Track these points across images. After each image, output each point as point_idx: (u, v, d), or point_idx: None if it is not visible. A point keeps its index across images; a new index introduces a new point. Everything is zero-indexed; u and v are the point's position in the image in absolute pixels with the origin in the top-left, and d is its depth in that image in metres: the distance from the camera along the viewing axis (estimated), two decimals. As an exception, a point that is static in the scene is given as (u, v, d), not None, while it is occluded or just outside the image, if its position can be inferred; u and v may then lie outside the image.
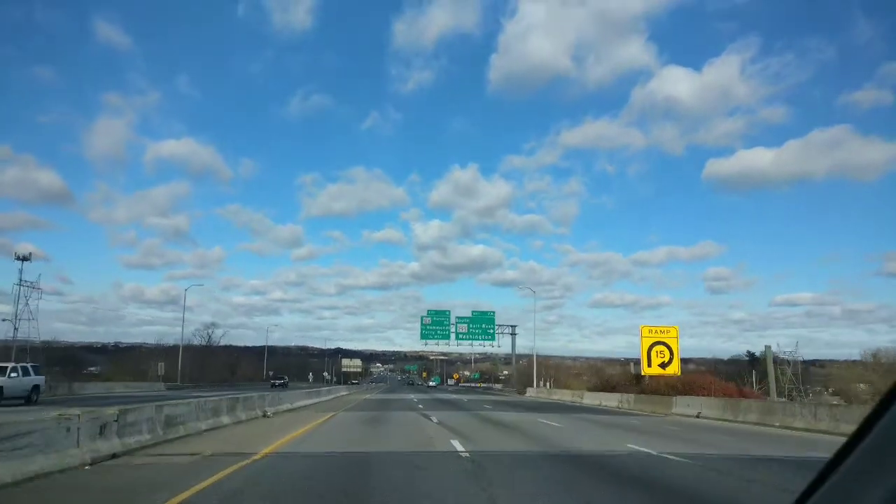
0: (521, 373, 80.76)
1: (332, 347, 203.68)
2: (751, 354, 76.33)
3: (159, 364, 57.58)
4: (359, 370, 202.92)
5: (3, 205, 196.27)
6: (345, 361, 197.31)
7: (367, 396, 45.53)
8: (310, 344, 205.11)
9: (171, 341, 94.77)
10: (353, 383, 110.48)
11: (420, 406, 33.04)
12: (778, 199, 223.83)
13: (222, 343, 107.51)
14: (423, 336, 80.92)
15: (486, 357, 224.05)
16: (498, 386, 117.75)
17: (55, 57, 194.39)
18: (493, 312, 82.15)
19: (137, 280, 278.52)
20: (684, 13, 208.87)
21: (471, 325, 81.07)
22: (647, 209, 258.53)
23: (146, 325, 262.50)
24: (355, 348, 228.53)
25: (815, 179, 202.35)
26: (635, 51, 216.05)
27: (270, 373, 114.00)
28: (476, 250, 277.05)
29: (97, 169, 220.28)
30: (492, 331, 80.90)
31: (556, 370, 70.93)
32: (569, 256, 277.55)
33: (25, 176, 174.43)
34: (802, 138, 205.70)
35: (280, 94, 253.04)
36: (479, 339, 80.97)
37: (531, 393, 55.53)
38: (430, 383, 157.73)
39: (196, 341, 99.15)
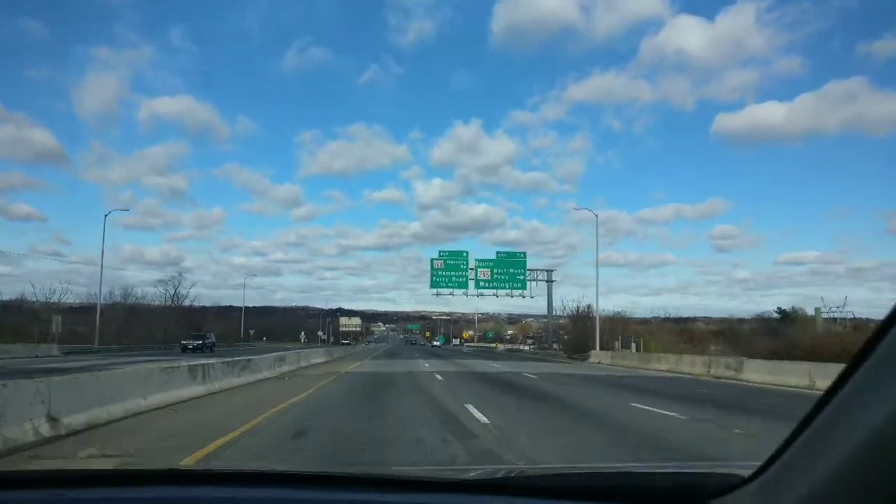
0: (568, 331, 61.43)
1: (334, 307, 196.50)
2: (782, 311, 61.18)
3: (55, 318, 38.43)
4: (358, 329, 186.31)
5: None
6: (343, 320, 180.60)
7: (349, 368, 26.42)
8: (312, 304, 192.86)
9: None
10: (344, 343, 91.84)
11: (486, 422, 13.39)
12: (787, 155, 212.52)
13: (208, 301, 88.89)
14: (435, 284, 61.70)
15: (488, 317, 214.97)
16: (525, 347, 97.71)
17: (42, 8, 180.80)
18: (524, 254, 62.69)
19: (136, 241, 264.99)
20: None
21: (495, 270, 61.72)
22: (653, 166, 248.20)
23: (148, 285, 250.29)
24: (357, 308, 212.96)
25: (827, 134, 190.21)
26: None
27: (251, 332, 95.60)
28: (478, 209, 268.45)
29: (91, 127, 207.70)
30: (521, 277, 61.57)
31: (622, 325, 51.45)
32: (572, 215, 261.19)
33: (18, 134, 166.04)
34: (816, 91, 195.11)
35: (277, 48, 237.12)
36: (504, 287, 61.70)
37: (600, 359, 36.05)
38: (435, 342, 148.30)
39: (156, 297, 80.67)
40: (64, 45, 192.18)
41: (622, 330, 47.60)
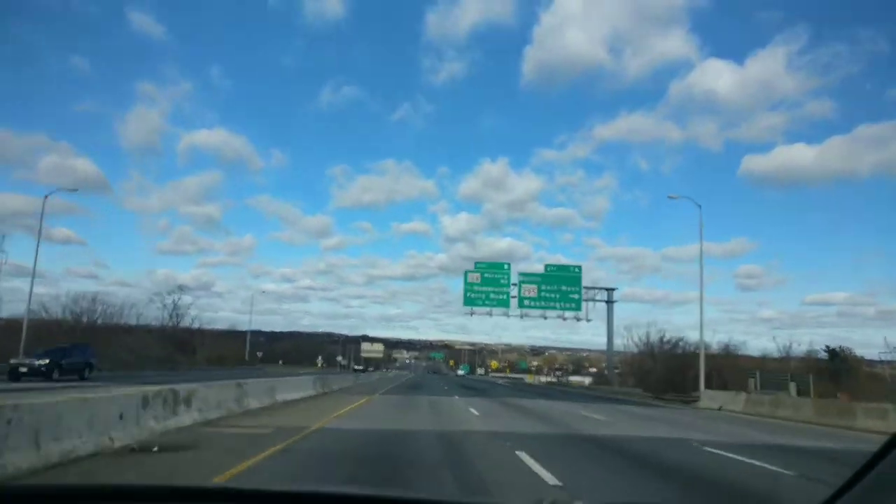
0: (642, 366, 49.11)
1: (359, 334, 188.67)
2: (831, 350, 49.67)
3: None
4: (380, 355, 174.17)
5: (41, 190, 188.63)
6: (365, 346, 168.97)
7: (339, 412, 14.53)
8: (337, 331, 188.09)
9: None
10: (356, 370, 79.55)
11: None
12: (816, 197, 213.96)
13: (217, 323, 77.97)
14: (469, 301, 49.99)
15: (511, 349, 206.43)
16: (583, 380, 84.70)
17: (90, 46, 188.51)
18: (579, 268, 50.71)
19: (170, 266, 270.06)
20: (728, 3, 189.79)
21: (543, 287, 49.85)
22: (679, 205, 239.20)
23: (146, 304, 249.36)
24: (380, 336, 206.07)
25: (858, 177, 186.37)
26: (675, 43, 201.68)
27: (259, 354, 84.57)
28: (504, 243, 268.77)
29: (132, 158, 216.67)
30: (576, 295, 49.49)
31: (728, 361, 38.64)
32: (598, 251, 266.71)
33: (62, 163, 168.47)
34: (847, 134, 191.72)
35: (311, 85, 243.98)
36: (555, 307, 49.61)
37: (721, 404, 23.63)
38: (459, 372, 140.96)
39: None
40: (110, 80, 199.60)
41: (726, 367, 34.90)
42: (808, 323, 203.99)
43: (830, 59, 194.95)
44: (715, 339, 46.49)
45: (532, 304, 49.77)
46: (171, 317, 73.20)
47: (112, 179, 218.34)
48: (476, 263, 51.20)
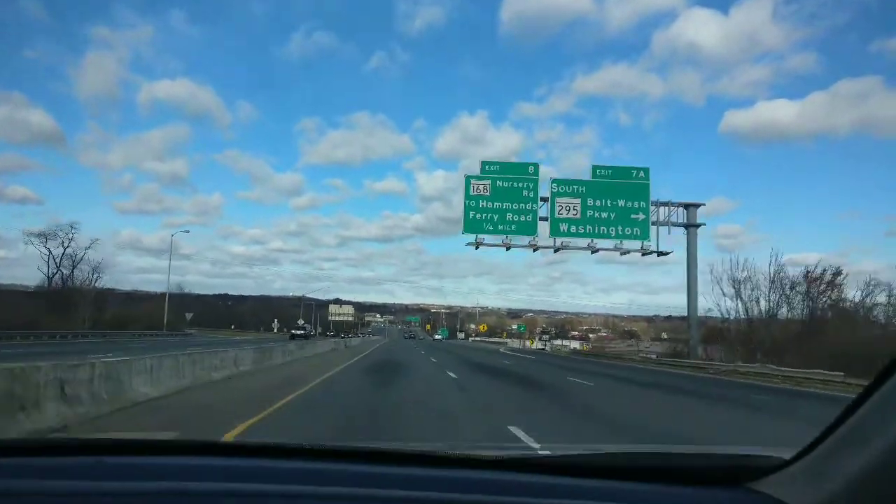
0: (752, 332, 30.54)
1: (331, 298, 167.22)
2: None
3: None
4: (351, 319, 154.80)
5: None
6: (332, 308, 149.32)
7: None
8: (309, 295, 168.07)
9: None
10: (296, 335, 59.19)
11: None
12: (796, 155, 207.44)
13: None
14: (472, 225, 31.13)
15: (487, 311, 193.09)
16: (568, 344, 67.86)
17: None
18: (646, 171, 31.77)
19: (134, 226, 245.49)
20: None
21: (589, 202, 30.95)
22: (660, 162, 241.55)
23: (144, 272, 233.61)
24: (354, 300, 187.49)
25: (838, 134, 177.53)
26: None
27: (188, 315, 64.75)
28: None
29: (89, 109, 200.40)
30: (641, 215, 30.84)
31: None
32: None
33: (15, 115, 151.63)
34: (828, 90, 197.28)
35: (280, 33, 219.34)
36: (608, 235, 30.99)
37: None
38: (437, 336, 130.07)
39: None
40: (62, 23, 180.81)
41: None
42: None
43: (816, 7, 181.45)
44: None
45: (573, 228, 30.86)
46: (57, 271, 52.85)
47: (69, 133, 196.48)
48: (484, 163, 31.75)
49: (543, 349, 74.67)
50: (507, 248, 31.54)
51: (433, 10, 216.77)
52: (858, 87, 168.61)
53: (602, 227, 30.54)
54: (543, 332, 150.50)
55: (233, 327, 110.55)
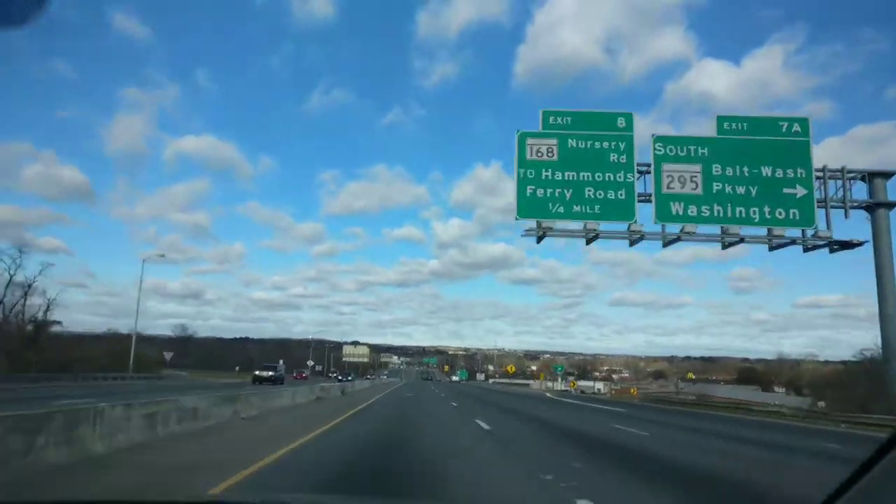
0: None
1: (349, 341, 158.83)
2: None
3: None
4: (365, 360, 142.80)
5: (26, 200, 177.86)
6: (347, 350, 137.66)
7: None
8: (329, 338, 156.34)
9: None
10: (262, 377, 39.69)
11: None
12: None
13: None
14: (528, 207, 19.24)
15: (505, 353, 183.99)
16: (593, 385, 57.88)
17: (73, 50, 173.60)
18: (804, 122, 19.98)
19: (159, 275, 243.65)
20: (725, 1, 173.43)
21: (716, 169, 19.26)
22: None
23: (168, 317, 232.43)
24: (373, 342, 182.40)
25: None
26: (671, 42, 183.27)
27: (168, 356, 53.44)
28: (496, 248, 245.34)
29: (118, 165, 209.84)
30: (798, 189, 19.02)
31: None
32: (591, 255, 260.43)
33: (48, 172, 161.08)
34: (843, 135, 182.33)
35: (300, 89, 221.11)
36: (751, 219, 19.20)
37: None
38: (454, 378, 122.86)
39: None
40: (94, 85, 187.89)
41: None
42: (799, 325, 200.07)
43: (828, 57, 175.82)
44: None
45: (691, 210, 19.34)
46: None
47: (98, 188, 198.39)
48: (546, 114, 20.45)
49: (567, 391, 65.75)
50: (590, 241, 19.92)
51: (448, 66, 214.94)
52: (873, 133, 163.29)
53: (739, 209, 18.95)
54: (567, 374, 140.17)
55: (237, 369, 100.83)
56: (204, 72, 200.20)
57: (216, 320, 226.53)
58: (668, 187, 19.36)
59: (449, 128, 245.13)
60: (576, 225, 19.52)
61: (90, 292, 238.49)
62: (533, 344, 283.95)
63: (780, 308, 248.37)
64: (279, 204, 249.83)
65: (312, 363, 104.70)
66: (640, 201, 19.56)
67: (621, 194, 19.45)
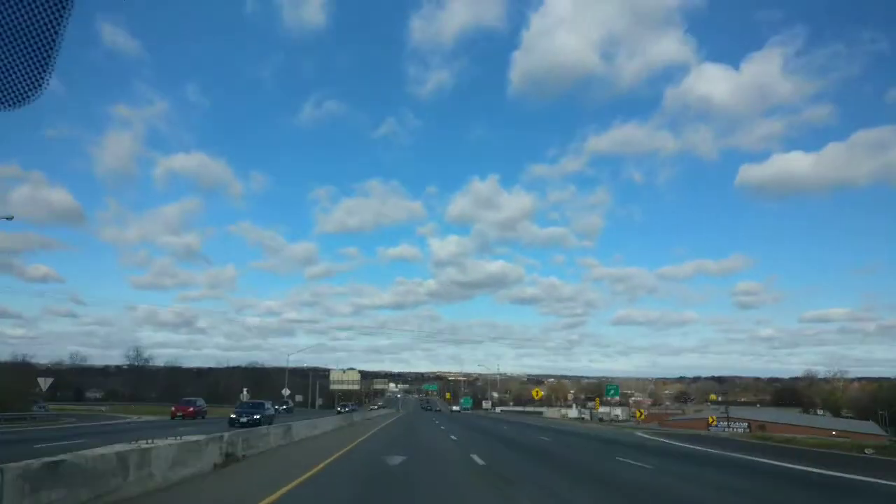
0: None
1: (345, 368, 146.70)
2: None
3: None
4: (356, 387, 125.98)
5: (14, 225, 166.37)
6: (335, 376, 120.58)
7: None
8: (325, 365, 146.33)
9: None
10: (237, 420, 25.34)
11: None
12: (814, 207, 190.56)
13: None
14: None
15: (508, 378, 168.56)
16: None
17: (60, 66, 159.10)
18: None
19: (150, 300, 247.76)
20: (723, 3, 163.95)
21: None
22: (675, 220, 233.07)
23: (161, 346, 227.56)
24: (370, 370, 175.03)
25: (856, 185, 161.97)
26: (670, 46, 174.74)
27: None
28: (495, 266, 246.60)
29: (107, 185, 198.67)
30: None
31: None
32: (592, 271, 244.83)
33: (35, 194, 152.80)
34: (845, 140, 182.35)
35: (292, 101, 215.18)
36: None
37: None
38: (454, 408, 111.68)
39: None
40: (82, 102, 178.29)
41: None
42: (806, 341, 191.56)
43: (828, 59, 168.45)
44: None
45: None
46: None
47: (88, 210, 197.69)
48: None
49: (583, 419, 52.64)
50: None
51: (443, 74, 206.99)
52: (875, 137, 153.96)
53: None
54: (587, 399, 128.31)
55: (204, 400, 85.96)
56: (193, 86, 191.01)
57: (210, 349, 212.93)
58: None
59: (444, 138, 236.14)
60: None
61: (80, 322, 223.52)
62: (535, 368, 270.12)
63: (786, 323, 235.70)
64: (271, 223, 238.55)
65: (289, 391, 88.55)
66: None
67: None
